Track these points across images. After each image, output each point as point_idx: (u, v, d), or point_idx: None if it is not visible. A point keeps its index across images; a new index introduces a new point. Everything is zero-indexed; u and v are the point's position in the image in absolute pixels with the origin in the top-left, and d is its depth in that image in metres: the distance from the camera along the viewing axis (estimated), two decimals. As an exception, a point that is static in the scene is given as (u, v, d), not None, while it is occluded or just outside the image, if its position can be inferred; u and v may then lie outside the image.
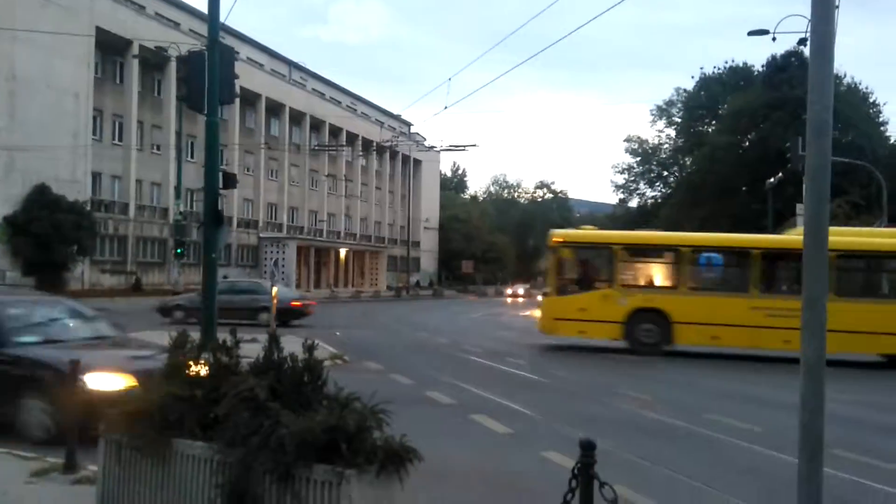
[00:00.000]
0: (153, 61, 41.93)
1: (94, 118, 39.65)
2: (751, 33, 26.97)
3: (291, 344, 4.54)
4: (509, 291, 69.28)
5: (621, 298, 17.82)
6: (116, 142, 41.94)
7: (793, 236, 17.96)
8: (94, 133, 39.48)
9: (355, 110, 68.47)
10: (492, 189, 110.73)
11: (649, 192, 76.29)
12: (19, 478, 5.87)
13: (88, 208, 36.31)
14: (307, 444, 3.72)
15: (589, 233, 20.27)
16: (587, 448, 3.67)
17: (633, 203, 79.21)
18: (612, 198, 79.84)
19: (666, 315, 17.60)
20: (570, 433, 8.07)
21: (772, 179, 39.76)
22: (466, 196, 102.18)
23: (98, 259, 39.20)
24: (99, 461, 4.67)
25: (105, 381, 7.11)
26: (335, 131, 62.24)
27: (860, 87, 55.28)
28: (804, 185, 3.44)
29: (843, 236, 16.80)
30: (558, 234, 19.00)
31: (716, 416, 9.91)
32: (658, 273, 19.12)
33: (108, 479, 4.58)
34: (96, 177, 40.17)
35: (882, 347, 17.30)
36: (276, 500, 3.81)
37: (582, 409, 10.31)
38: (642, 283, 18.82)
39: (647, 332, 17.69)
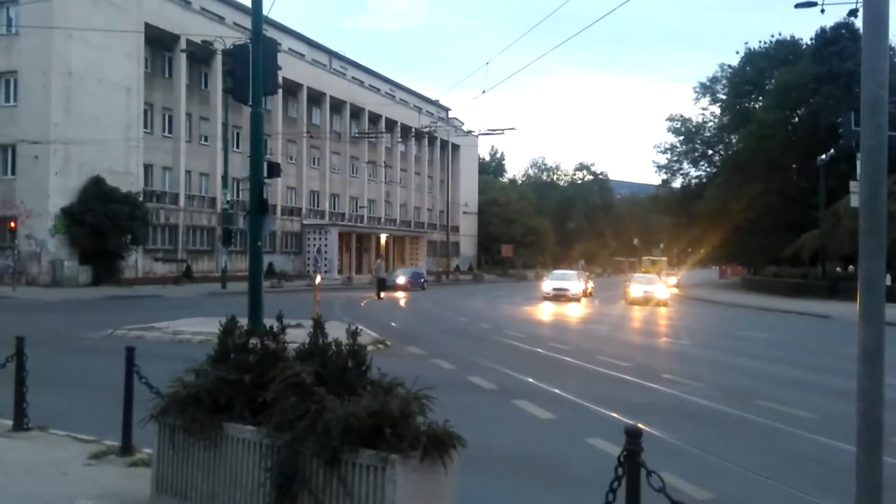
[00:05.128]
0: (200, 55, 42.68)
1: (145, 111, 40.58)
2: (798, 6, 26.26)
3: (335, 329, 4.62)
4: (552, 287, 36.27)
5: None
6: (166, 134, 42.88)
7: None
8: (145, 126, 40.46)
9: (394, 97, 68.62)
10: (531, 172, 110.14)
11: (693, 172, 74.46)
12: (79, 459, 6.10)
13: (141, 199, 37.43)
14: (352, 429, 3.78)
15: None
16: (633, 436, 3.58)
17: (677, 183, 77.54)
18: (655, 178, 78.52)
19: None
20: (614, 419, 8.04)
21: (823, 156, 38.53)
22: (505, 180, 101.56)
23: (150, 248, 40.35)
24: (154, 444, 4.83)
25: None
26: (374, 118, 62.50)
27: (915, 58, 53.17)
28: (859, 166, 3.27)
29: None
30: None
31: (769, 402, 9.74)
32: None
33: (163, 461, 4.73)
34: (148, 168, 41.19)
35: None
36: (323, 484, 3.89)
37: (630, 395, 10.17)
38: None
39: None
